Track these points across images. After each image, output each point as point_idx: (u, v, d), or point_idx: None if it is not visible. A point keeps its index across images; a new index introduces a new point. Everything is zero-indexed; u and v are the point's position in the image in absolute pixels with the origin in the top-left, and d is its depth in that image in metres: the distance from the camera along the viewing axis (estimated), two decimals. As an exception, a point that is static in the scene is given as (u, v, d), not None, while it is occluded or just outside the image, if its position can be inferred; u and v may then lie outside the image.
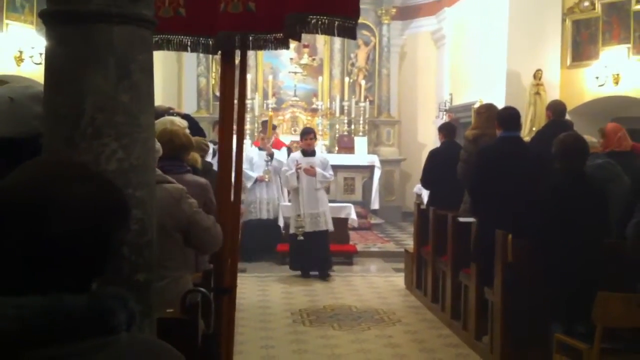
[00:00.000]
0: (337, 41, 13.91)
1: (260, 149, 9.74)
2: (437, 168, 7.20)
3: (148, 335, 1.60)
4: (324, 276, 8.53)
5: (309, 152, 8.69)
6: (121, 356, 1.12)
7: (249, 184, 9.46)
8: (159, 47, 3.07)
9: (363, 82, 14.18)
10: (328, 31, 2.65)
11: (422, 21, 14.75)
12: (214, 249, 3.24)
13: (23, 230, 1.08)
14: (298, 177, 8.42)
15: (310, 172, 8.43)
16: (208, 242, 3.25)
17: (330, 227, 8.65)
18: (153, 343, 1.28)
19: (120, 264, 1.76)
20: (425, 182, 7.78)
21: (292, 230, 8.61)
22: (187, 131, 4.32)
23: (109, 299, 1.12)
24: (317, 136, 10.48)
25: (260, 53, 13.23)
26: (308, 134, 8.83)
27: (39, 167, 1.15)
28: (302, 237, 8.36)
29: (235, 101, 3.24)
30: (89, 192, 1.12)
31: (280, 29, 2.81)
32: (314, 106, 13.87)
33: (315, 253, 8.50)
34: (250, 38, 2.95)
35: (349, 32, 2.66)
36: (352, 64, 14.53)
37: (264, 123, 10.23)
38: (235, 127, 3.26)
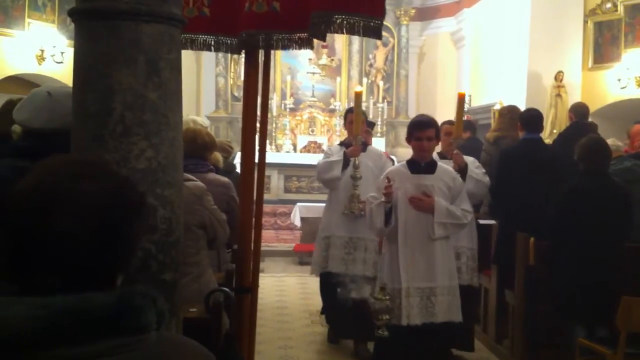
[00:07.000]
0: (356, 42, 13.87)
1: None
2: None
3: (177, 334, 1.59)
4: None
5: (422, 166, 4.25)
6: (151, 355, 1.10)
7: None
8: (183, 47, 3.06)
9: (381, 83, 14.13)
10: (353, 31, 2.63)
11: (441, 22, 14.67)
12: (225, 238, 3.61)
13: (33, 228, 1.07)
14: (390, 211, 4.12)
15: (423, 204, 4.12)
16: (222, 234, 3.53)
17: (458, 317, 4.19)
18: (183, 342, 1.26)
19: (148, 262, 1.75)
20: None
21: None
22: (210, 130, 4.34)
23: (139, 298, 1.11)
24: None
25: (279, 53, 13.22)
26: (424, 128, 4.23)
27: (52, 165, 1.14)
28: (386, 333, 3.98)
29: (259, 101, 3.24)
30: (99, 189, 1.11)
31: (305, 28, 2.80)
32: (331, 107, 13.85)
33: None
34: (275, 38, 2.94)
35: (374, 31, 2.63)
36: (371, 65, 14.48)
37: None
38: (258, 126, 3.25)
